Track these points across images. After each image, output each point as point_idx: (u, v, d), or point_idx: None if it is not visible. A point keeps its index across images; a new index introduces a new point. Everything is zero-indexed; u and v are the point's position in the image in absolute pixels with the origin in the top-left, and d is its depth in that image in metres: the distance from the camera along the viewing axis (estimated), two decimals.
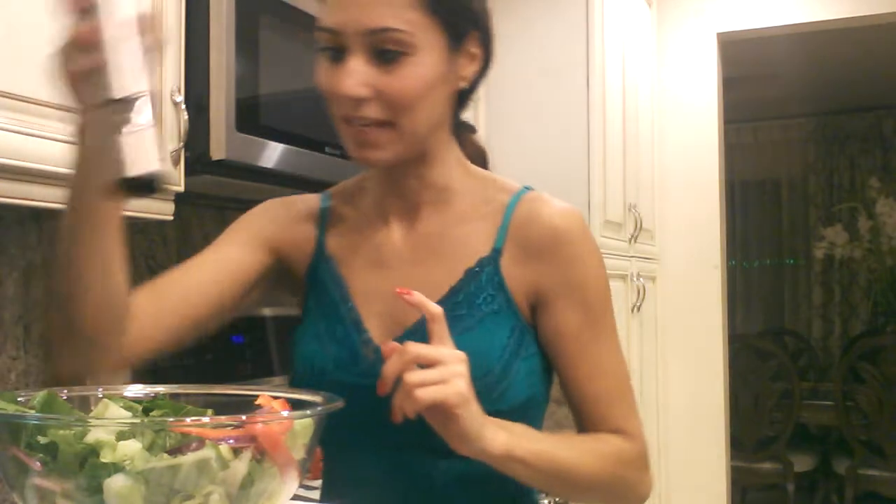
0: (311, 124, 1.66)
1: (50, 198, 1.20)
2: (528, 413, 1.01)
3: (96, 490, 0.60)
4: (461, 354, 0.85)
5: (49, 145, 1.17)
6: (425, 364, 0.83)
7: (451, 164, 1.05)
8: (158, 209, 1.41)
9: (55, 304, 0.91)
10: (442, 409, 0.83)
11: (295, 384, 1.04)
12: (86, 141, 0.86)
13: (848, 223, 5.44)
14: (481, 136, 1.24)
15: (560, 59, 2.78)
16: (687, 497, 3.55)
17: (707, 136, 3.58)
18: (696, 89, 3.59)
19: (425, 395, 0.82)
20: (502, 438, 0.88)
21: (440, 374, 0.83)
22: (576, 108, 2.75)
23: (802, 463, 4.30)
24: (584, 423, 1.03)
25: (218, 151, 1.46)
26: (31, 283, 1.56)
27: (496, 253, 1.02)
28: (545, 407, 1.07)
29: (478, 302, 1.00)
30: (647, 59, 3.41)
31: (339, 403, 0.73)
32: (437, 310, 0.86)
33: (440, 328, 0.86)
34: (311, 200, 1.12)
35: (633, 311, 3.11)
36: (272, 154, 1.58)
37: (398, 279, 1.01)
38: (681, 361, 3.57)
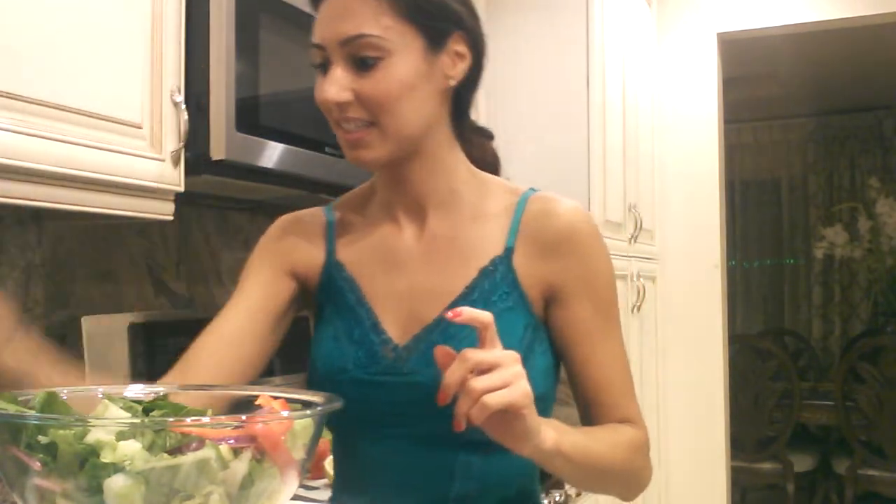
0: (311, 124, 1.66)
1: (50, 198, 1.20)
2: (541, 410, 1.01)
3: (96, 490, 0.60)
4: (516, 354, 0.86)
5: (49, 145, 1.17)
6: (484, 369, 0.84)
7: (454, 166, 1.08)
8: (158, 209, 1.41)
9: None
10: (509, 412, 0.84)
11: (313, 385, 1.06)
12: None
13: (848, 223, 5.44)
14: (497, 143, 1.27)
15: (560, 60, 2.77)
16: (687, 497, 3.55)
17: (707, 136, 3.58)
18: (696, 89, 3.59)
19: (496, 399, 0.82)
20: (552, 435, 0.91)
21: (503, 378, 0.83)
22: (576, 108, 2.75)
23: (802, 463, 4.30)
24: (594, 411, 1.07)
25: (218, 151, 1.46)
26: (31, 283, 1.56)
27: (509, 251, 1.05)
28: (552, 405, 1.09)
29: (493, 299, 1.03)
30: (647, 59, 3.41)
31: (338, 404, 0.73)
32: (488, 317, 0.87)
33: (492, 334, 0.86)
34: (317, 214, 1.16)
35: (633, 311, 3.11)
36: (272, 154, 1.58)
37: (412, 279, 1.06)
38: (681, 361, 3.57)
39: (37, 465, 0.61)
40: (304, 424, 0.69)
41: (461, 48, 1.03)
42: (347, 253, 1.11)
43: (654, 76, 3.54)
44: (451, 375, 0.84)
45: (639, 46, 3.28)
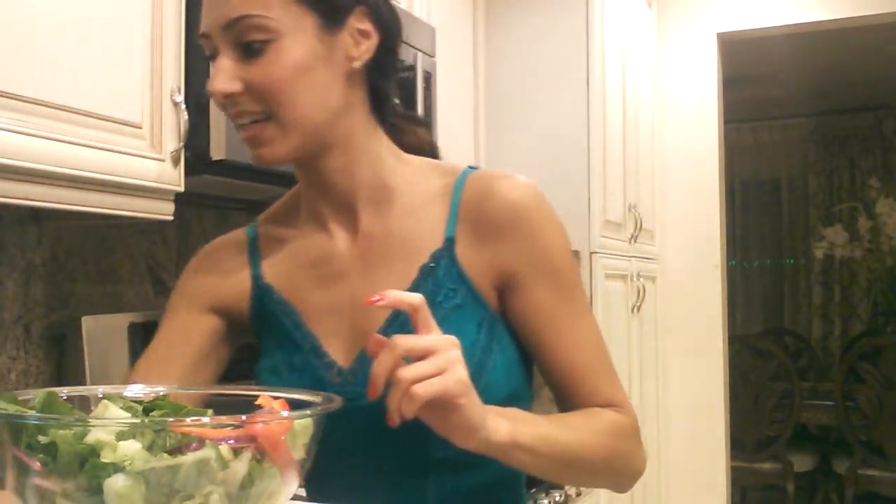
0: None
1: (50, 198, 1.20)
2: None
3: (96, 490, 0.60)
4: (453, 338, 0.79)
5: (49, 145, 1.17)
6: (417, 357, 0.77)
7: (377, 156, 0.98)
8: (158, 209, 1.41)
9: None
10: (443, 402, 0.77)
11: None
12: None
13: (848, 223, 5.44)
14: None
15: (560, 60, 2.78)
16: (687, 497, 3.55)
17: (707, 136, 3.59)
18: (696, 89, 3.59)
19: (425, 389, 0.75)
20: (505, 426, 0.83)
21: (436, 365, 0.76)
22: (576, 108, 2.75)
23: (802, 463, 4.29)
24: (573, 401, 0.97)
25: (218, 151, 1.46)
26: (31, 283, 1.56)
27: (449, 242, 0.95)
28: (530, 404, 1.00)
29: (438, 300, 0.93)
30: (647, 59, 3.41)
31: (337, 403, 0.73)
32: (417, 298, 0.80)
33: (424, 316, 0.80)
34: (237, 236, 1.07)
35: (633, 311, 3.11)
36: None
37: (352, 290, 0.97)
38: (681, 361, 3.57)
39: (37, 465, 0.61)
40: (304, 424, 0.69)
41: (365, 26, 0.93)
42: (276, 273, 1.01)
43: (654, 76, 3.54)
44: (379, 365, 0.77)
45: (639, 46, 3.28)
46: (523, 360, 0.99)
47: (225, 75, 0.89)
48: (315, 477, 0.93)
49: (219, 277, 1.04)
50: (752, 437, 4.19)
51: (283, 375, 0.98)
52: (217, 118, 1.46)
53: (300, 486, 0.71)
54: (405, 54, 2.03)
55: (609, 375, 0.98)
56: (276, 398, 0.73)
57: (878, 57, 4.78)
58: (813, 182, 6.21)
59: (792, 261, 6.31)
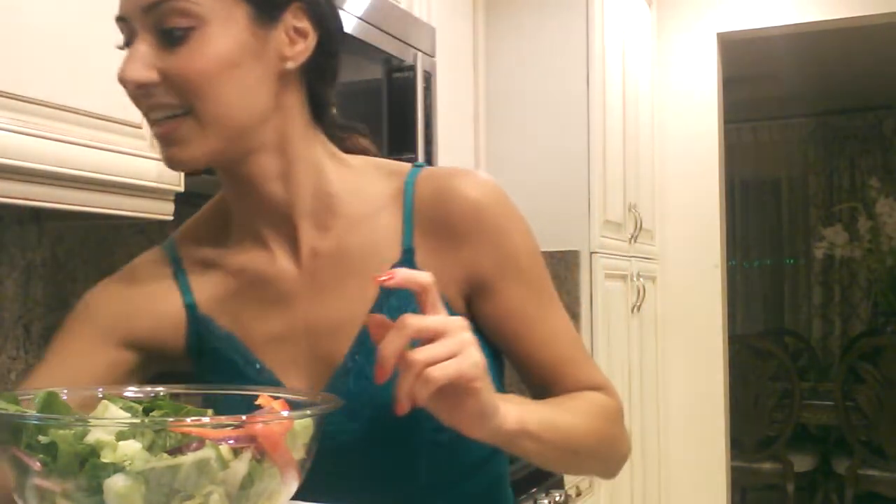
0: None
1: (50, 198, 1.20)
2: None
3: (96, 490, 0.60)
4: (463, 321, 0.74)
5: (49, 145, 1.17)
6: (427, 339, 0.71)
7: (318, 162, 0.89)
8: (158, 209, 1.41)
9: None
10: (457, 387, 0.72)
11: None
12: None
13: (848, 223, 5.44)
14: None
15: (560, 60, 2.78)
16: (687, 497, 3.55)
17: (707, 136, 3.59)
18: (696, 89, 3.59)
19: (442, 372, 0.69)
20: (514, 411, 0.77)
21: (449, 347, 0.71)
22: (576, 108, 2.75)
23: (802, 463, 4.30)
24: (555, 395, 0.92)
25: None
26: (31, 283, 1.56)
27: (409, 254, 0.88)
28: None
29: None
30: (647, 59, 3.41)
31: (338, 403, 0.73)
32: (426, 278, 0.74)
33: (433, 297, 0.74)
34: (155, 262, 0.95)
35: (633, 311, 3.11)
36: None
37: (305, 315, 0.89)
38: (681, 361, 3.57)
39: (37, 465, 0.61)
40: (304, 424, 0.68)
41: (301, 24, 0.85)
42: (211, 301, 0.91)
43: (654, 76, 3.54)
44: (388, 346, 0.70)
45: (639, 47, 3.28)
46: (495, 363, 0.94)
47: (140, 63, 0.80)
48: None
49: (141, 307, 0.92)
50: (752, 437, 4.19)
51: None
52: None
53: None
54: (405, 54, 2.03)
55: (587, 362, 0.95)
56: (276, 398, 0.73)
57: (878, 57, 4.78)
58: (813, 182, 6.21)
59: (792, 261, 6.31)
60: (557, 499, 1.95)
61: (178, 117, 0.81)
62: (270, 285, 0.90)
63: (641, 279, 3.18)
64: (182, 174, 1.43)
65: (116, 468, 0.60)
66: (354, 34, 1.81)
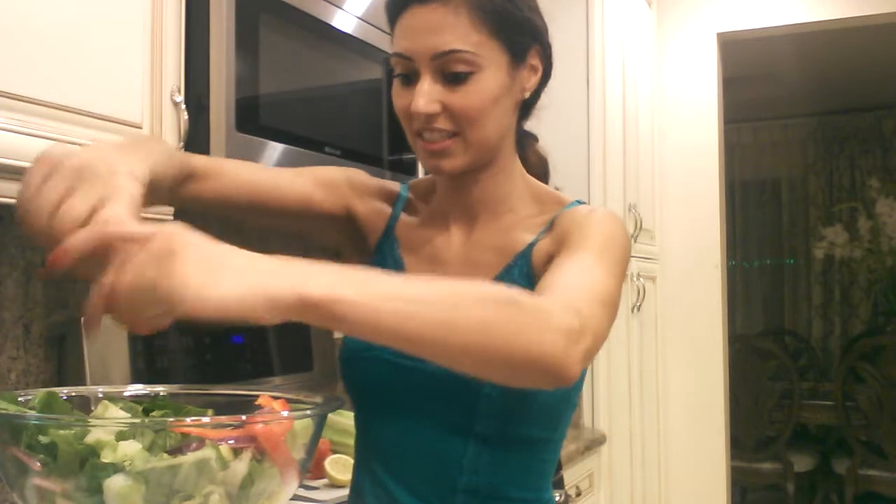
0: (311, 124, 1.66)
1: None
2: (557, 417, 1.05)
3: (96, 490, 0.60)
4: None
5: (49, 145, 1.17)
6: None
7: (512, 177, 1.11)
8: (158, 209, 1.41)
9: None
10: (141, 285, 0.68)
11: (340, 359, 1.09)
12: None
13: (848, 223, 5.44)
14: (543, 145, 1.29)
15: (560, 60, 2.77)
16: (687, 497, 3.55)
17: (707, 136, 3.59)
18: (696, 89, 3.59)
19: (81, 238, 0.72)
20: (289, 276, 0.67)
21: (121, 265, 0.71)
22: (576, 108, 2.75)
23: (802, 463, 4.30)
24: None
25: (218, 151, 1.46)
26: (31, 283, 1.56)
27: (529, 246, 1.05)
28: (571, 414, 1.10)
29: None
30: (647, 59, 3.41)
31: (338, 403, 0.73)
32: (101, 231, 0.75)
33: (116, 240, 0.73)
34: (392, 185, 1.20)
35: (633, 311, 3.11)
36: (272, 154, 1.58)
37: (448, 275, 1.06)
38: (681, 361, 3.57)
39: (37, 465, 0.61)
40: (304, 424, 0.69)
41: (536, 62, 1.08)
42: (405, 232, 1.14)
43: (654, 76, 3.54)
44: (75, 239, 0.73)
45: (639, 46, 3.28)
46: None
47: (427, 97, 0.99)
48: (366, 419, 1.09)
49: (368, 197, 1.16)
50: (752, 437, 4.19)
51: None
52: (217, 118, 1.46)
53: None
54: None
55: (580, 290, 0.85)
56: (276, 398, 0.73)
57: (878, 57, 4.78)
58: (813, 182, 6.21)
59: (792, 261, 6.31)
60: (557, 499, 1.94)
61: (449, 138, 1.02)
62: (438, 249, 1.11)
63: (641, 279, 3.18)
64: None
65: (116, 468, 0.60)
66: (354, 34, 1.82)
